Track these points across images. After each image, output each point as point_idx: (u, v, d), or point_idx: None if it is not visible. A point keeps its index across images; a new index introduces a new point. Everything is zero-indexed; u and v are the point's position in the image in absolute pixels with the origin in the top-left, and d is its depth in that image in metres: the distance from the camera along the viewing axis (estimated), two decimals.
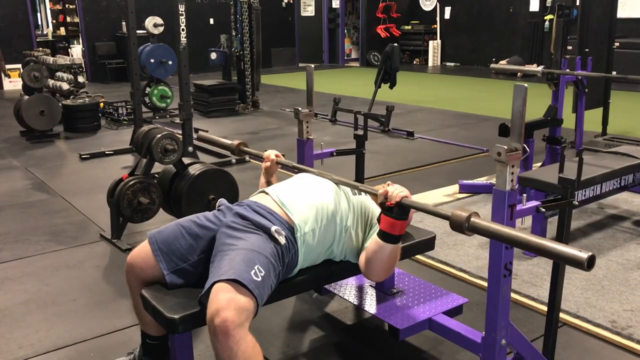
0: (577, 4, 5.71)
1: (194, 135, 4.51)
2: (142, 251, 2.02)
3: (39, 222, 4.03)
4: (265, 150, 2.50)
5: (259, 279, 1.77)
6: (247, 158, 5.65)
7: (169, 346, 2.16)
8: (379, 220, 1.98)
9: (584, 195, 3.31)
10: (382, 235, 1.95)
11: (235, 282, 1.72)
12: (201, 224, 2.03)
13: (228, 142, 2.67)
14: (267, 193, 2.13)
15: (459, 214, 1.67)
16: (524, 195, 2.10)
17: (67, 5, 14.43)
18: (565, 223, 2.11)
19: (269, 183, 2.47)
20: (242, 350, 1.67)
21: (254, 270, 1.78)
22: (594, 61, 4.86)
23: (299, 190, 2.13)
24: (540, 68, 4.30)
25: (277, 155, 2.44)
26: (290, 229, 2.00)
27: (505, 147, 1.82)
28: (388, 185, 2.00)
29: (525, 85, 1.79)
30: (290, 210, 2.03)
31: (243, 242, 1.88)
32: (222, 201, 2.16)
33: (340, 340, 2.58)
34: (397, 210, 1.90)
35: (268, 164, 2.44)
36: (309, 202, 2.07)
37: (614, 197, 4.00)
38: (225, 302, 1.68)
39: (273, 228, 1.94)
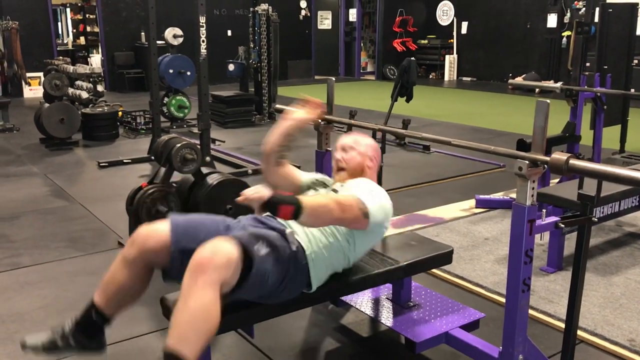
0: (596, 20, 5.70)
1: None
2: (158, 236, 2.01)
3: (58, 228, 4.08)
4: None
5: (262, 254, 1.85)
6: None
7: (103, 330, 2.10)
8: None
9: (602, 212, 3.30)
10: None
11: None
12: (224, 225, 2.10)
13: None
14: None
15: (557, 157, 1.80)
16: (544, 210, 2.09)
17: (87, 15, 14.67)
18: (584, 239, 2.11)
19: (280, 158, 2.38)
20: (199, 296, 1.69)
21: (258, 245, 1.86)
22: (613, 78, 4.85)
23: None
24: (559, 84, 4.30)
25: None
26: (300, 246, 2.04)
27: (527, 162, 1.83)
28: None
29: (548, 101, 1.80)
30: (295, 230, 2.07)
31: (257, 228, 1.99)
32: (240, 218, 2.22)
33: (356, 352, 2.58)
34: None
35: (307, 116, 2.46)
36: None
37: (632, 215, 3.97)
38: (211, 246, 1.75)
39: (288, 230, 2.01)
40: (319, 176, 2.49)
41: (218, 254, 1.73)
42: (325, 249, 2.07)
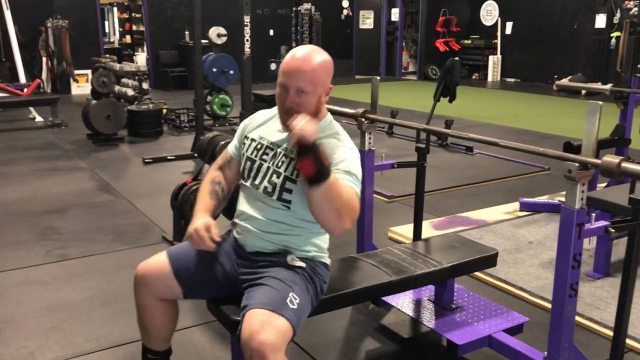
0: None
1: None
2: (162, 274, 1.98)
3: (104, 222, 4.18)
4: None
5: (295, 307, 1.76)
6: None
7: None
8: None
9: None
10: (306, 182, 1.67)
11: (270, 310, 1.70)
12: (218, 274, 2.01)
13: None
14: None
15: (609, 160, 1.77)
16: (593, 214, 2.05)
17: (133, 14, 14.94)
18: (634, 245, 2.05)
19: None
20: None
21: (289, 298, 1.76)
22: None
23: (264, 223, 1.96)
24: (608, 86, 4.20)
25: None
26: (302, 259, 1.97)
27: (577, 164, 1.79)
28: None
29: (600, 103, 1.76)
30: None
31: (270, 279, 1.84)
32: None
33: (396, 352, 2.57)
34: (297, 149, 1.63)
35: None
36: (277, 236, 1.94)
37: None
38: (259, 324, 1.65)
39: (288, 257, 1.90)
40: (253, 130, 2.07)
41: (268, 333, 1.63)
42: (307, 243, 1.96)
